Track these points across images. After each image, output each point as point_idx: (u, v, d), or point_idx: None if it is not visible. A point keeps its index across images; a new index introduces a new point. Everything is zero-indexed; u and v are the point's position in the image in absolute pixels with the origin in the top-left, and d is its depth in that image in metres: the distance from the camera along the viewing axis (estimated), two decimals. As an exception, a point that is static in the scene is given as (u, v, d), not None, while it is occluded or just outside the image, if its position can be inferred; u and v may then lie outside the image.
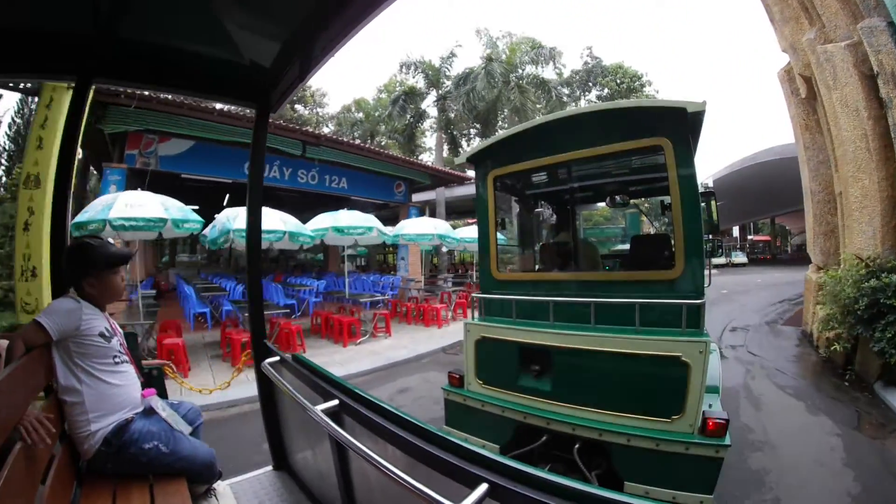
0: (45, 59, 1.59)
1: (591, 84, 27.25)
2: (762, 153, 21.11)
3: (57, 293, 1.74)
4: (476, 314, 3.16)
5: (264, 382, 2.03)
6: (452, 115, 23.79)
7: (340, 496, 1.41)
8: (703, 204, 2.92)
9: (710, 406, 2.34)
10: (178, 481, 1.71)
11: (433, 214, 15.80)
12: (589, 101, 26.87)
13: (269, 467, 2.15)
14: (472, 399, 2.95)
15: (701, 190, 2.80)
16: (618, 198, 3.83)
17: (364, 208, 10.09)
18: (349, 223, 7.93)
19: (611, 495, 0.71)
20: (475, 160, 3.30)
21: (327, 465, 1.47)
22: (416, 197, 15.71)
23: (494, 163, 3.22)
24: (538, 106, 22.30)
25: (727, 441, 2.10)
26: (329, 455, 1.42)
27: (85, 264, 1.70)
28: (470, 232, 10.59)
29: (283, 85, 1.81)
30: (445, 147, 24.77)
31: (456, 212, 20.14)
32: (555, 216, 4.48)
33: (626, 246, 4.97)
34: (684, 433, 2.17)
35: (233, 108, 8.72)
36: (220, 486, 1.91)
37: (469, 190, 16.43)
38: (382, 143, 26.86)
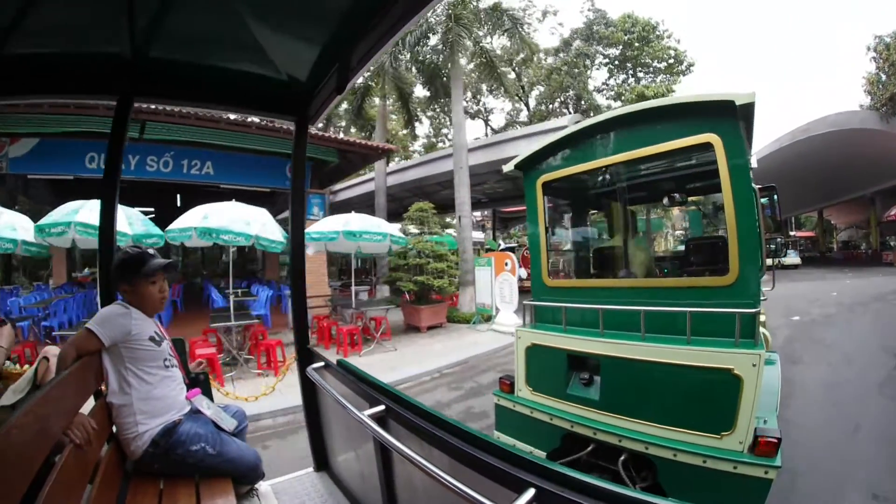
0: (88, 79, 1.67)
1: (593, 41, 22.01)
2: (815, 123, 19.21)
3: (105, 301, 1.82)
4: (527, 320, 3.20)
5: (308, 387, 2.07)
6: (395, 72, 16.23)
7: (382, 499, 1.43)
8: (763, 200, 2.76)
9: (764, 422, 2.22)
10: (224, 482, 1.75)
11: (369, 206, 13.62)
12: (596, 60, 22.13)
13: (310, 469, 2.17)
14: (522, 405, 2.97)
15: (758, 186, 2.64)
16: (676, 196, 3.67)
17: (253, 199, 8.43)
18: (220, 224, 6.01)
19: (657, 500, 0.71)
20: (523, 167, 3.34)
21: (369, 468, 1.48)
22: (352, 183, 13.75)
23: (542, 168, 3.23)
24: (504, 43, 16.98)
25: (777, 462, 1.97)
26: (371, 457, 1.44)
27: (122, 276, 1.76)
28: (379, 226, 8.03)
29: (321, 97, 1.84)
30: (399, 119, 21.14)
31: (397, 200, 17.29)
32: (606, 220, 4.37)
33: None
34: (733, 451, 2.06)
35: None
36: (262, 486, 1.95)
37: (427, 171, 15.29)
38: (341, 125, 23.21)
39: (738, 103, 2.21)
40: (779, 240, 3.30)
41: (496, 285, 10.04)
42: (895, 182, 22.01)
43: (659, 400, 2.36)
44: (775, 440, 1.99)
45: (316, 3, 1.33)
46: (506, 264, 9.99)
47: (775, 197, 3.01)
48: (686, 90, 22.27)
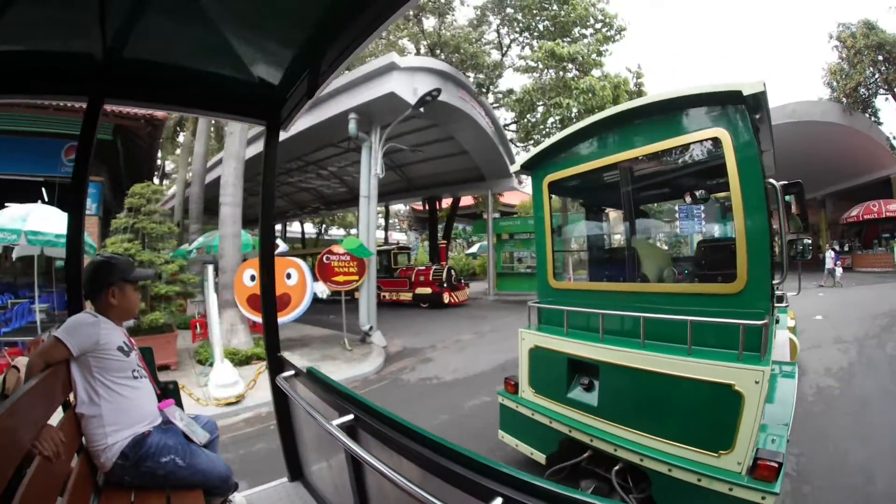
0: (57, 79, 1.64)
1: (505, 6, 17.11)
2: (774, 112, 18.25)
3: (73, 310, 1.79)
4: (533, 321, 3.17)
5: (279, 395, 2.04)
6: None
7: None
8: (788, 197, 2.66)
9: (772, 441, 2.09)
10: (195, 494, 1.74)
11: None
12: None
13: (285, 479, 2.16)
14: (524, 406, 2.98)
15: (782, 182, 2.55)
16: (686, 195, 3.52)
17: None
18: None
19: None
20: (529, 166, 3.29)
21: (342, 477, 1.49)
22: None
23: (548, 168, 3.17)
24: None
25: (777, 488, 1.85)
26: (344, 466, 1.44)
27: (112, 275, 1.75)
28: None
29: (292, 100, 1.83)
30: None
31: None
32: (612, 221, 4.23)
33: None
34: (731, 471, 1.95)
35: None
36: (236, 497, 1.94)
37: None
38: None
39: (745, 93, 2.06)
40: (805, 241, 3.10)
41: (226, 316, 7.00)
42: (850, 184, 21.06)
43: (657, 411, 2.28)
44: (776, 465, 1.85)
45: (287, 9, 1.32)
46: (287, 276, 7.15)
47: (801, 194, 2.84)
48: (618, 59, 20.95)
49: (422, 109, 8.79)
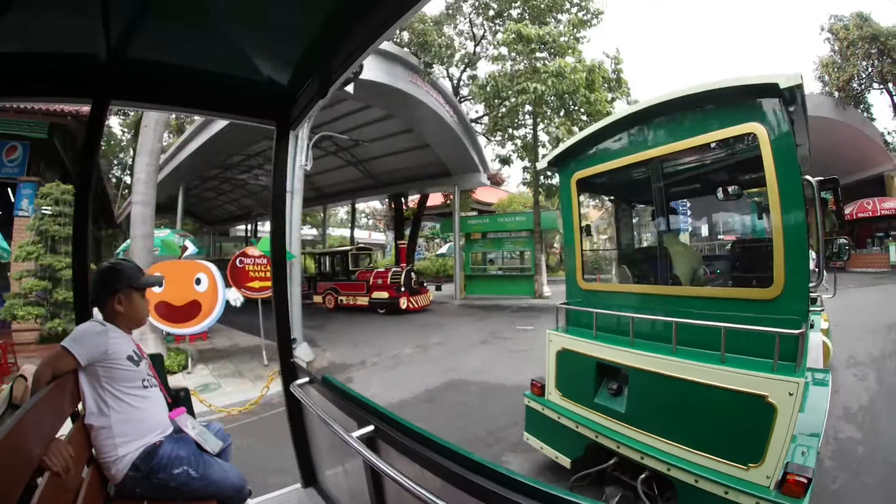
0: (62, 81, 1.61)
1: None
2: None
3: (81, 318, 1.75)
4: (560, 323, 3.12)
5: (293, 402, 2.01)
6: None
7: None
8: (825, 194, 2.58)
9: (802, 454, 2.01)
10: None
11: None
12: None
13: (298, 485, 2.12)
14: (550, 410, 2.96)
15: (818, 178, 2.45)
16: (720, 193, 3.35)
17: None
18: None
19: None
20: (556, 163, 3.23)
21: (359, 484, 1.45)
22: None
23: (576, 165, 3.10)
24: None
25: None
26: (359, 474, 1.41)
27: (118, 281, 1.71)
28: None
29: (302, 101, 1.79)
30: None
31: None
32: (644, 219, 4.08)
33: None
34: (759, 485, 1.90)
35: None
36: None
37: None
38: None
39: (782, 86, 1.97)
40: (841, 241, 2.93)
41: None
42: (843, 181, 21.13)
43: (686, 420, 2.22)
44: (805, 480, 1.79)
45: (296, 8, 1.28)
46: (197, 282, 6.45)
47: (838, 190, 2.75)
48: (595, 44, 20.23)
49: (350, 90, 7.66)
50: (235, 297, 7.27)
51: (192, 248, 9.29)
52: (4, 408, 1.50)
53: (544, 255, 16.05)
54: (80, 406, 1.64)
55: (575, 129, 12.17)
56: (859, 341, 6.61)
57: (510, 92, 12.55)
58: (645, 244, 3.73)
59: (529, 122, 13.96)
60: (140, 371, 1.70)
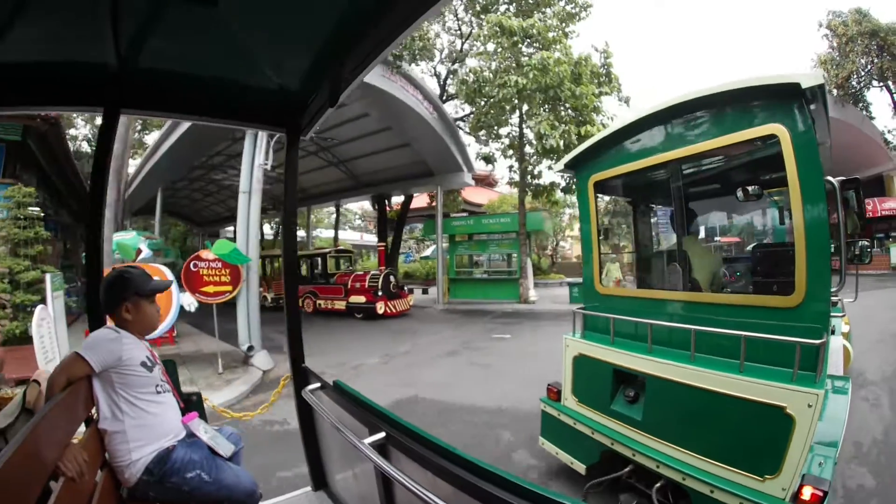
0: (73, 90, 1.63)
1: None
2: None
3: (94, 325, 1.78)
4: (577, 328, 3.12)
5: (304, 407, 2.01)
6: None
7: None
8: (851, 192, 2.59)
9: (819, 465, 1.93)
10: None
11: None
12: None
13: (308, 488, 2.14)
14: (566, 415, 2.96)
15: (840, 178, 2.49)
16: (739, 195, 3.29)
17: None
18: None
19: None
20: (573, 165, 3.23)
21: (369, 489, 1.47)
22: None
23: (593, 167, 3.10)
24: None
25: None
26: (370, 478, 1.43)
27: (126, 289, 1.72)
28: None
29: (312, 108, 1.80)
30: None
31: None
32: (661, 222, 4.02)
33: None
34: (775, 497, 1.87)
35: None
36: None
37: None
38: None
39: (804, 86, 1.92)
40: (863, 243, 2.75)
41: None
42: None
43: (703, 429, 2.21)
44: (821, 493, 1.73)
45: (306, 15, 1.27)
46: None
47: (860, 191, 2.69)
48: (594, 43, 19.80)
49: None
50: (189, 301, 7.08)
51: (146, 252, 8.99)
52: (18, 412, 1.55)
53: (531, 258, 15.54)
54: (93, 411, 1.67)
55: (560, 125, 11.66)
56: (868, 354, 5.78)
57: (492, 87, 12.04)
58: (663, 248, 3.66)
59: (515, 119, 13.45)
60: (153, 377, 1.72)
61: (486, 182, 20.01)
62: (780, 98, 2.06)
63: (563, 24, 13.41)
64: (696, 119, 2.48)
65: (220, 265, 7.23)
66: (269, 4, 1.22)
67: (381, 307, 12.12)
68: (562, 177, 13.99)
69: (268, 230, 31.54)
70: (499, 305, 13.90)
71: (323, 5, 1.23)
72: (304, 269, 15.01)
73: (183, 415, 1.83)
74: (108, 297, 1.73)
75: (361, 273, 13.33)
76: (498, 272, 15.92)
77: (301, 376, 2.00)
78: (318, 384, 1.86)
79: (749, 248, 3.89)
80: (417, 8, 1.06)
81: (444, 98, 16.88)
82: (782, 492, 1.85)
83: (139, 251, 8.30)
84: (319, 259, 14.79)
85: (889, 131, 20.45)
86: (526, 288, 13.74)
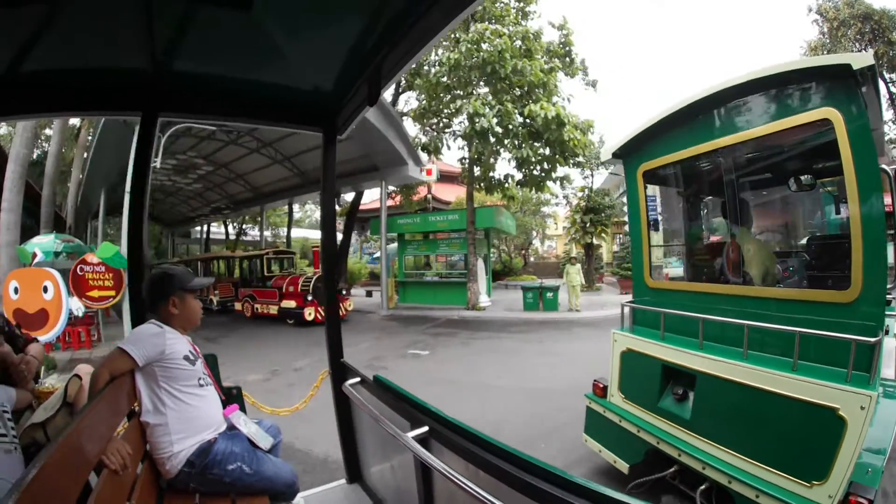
0: (111, 95, 1.67)
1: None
2: None
3: (136, 321, 1.81)
4: (626, 322, 3.07)
5: (343, 401, 2.06)
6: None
7: None
8: None
9: (867, 473, 1.82)
10: (261, 500, 1.75)
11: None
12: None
13: (343, 480, 2.17)
14: (612, 412, 2.90)
15: (893, 167, 2.45)
16: (793, 182, 3.11)
17: None
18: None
19: None
20: (621, 154, 3.20)
21: (406, 483, 1.50)
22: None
23: (641, 156, 3.05)
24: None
25: None
26: (407, 471, 1.45)
27: (172, 285, 1.76)
28: None
29: (349, 108, 1.81)
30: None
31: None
32: (710, 213, 3.86)
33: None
34: None
35: None
36: (296, 498, 1.92)
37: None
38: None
39: (855, 67, 1.85)
40: None
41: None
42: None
43: (753, 430, 2.12)
44: (866, 502, 1.66)
45: (343, 14, 1.29)
46: (44, 289, 6.33)
47: None
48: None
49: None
50: (77, 306, 7.12)
51: (40, 256, 8.67)
52: (59, 406, 1.59)
53: (503, 258, 14.45)
54: (134, 404, 1.69)
55: (497, 105, 10.57)
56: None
57: (426, 67, 11.06)
58: (715, 240, 3.55)
59: (462, 104, 12.37)
60: (196, 370, 1.75)
61: (460, 179, 18.94)
62: (832, 80, 1.98)
63: (521, 4, 12.39)
64: (745, 104, 2.41)
65: (103, 269, 7.16)
66: (305, 6, 1.23)
67: (309, 313, 11.12)
68: (519, 170, 12.89)
69: (231, 231, 30.74)
70: (446, 312, 12.84)
71: (362, 5, 1.23)
72: (241, 272, 14.16)
73: (224, 408, 1.86)
74: (153, 294, 1.76)
75: (297, 276, 12.41)
76: (448, 275, 14.88)
77: (339, 371, 2.04)
78: (358, 378, 1.89)
79: (803, 241, 3.74)
80: (453, 8, 1.10)
81: (399, 91, 15.89)
82: (829, 499, 1.78)
83: (34, 255, 8.14)
84: (258, 261, 13.89)
85: (885, 122, 19.13)
86: (475, 293, 12.68)
